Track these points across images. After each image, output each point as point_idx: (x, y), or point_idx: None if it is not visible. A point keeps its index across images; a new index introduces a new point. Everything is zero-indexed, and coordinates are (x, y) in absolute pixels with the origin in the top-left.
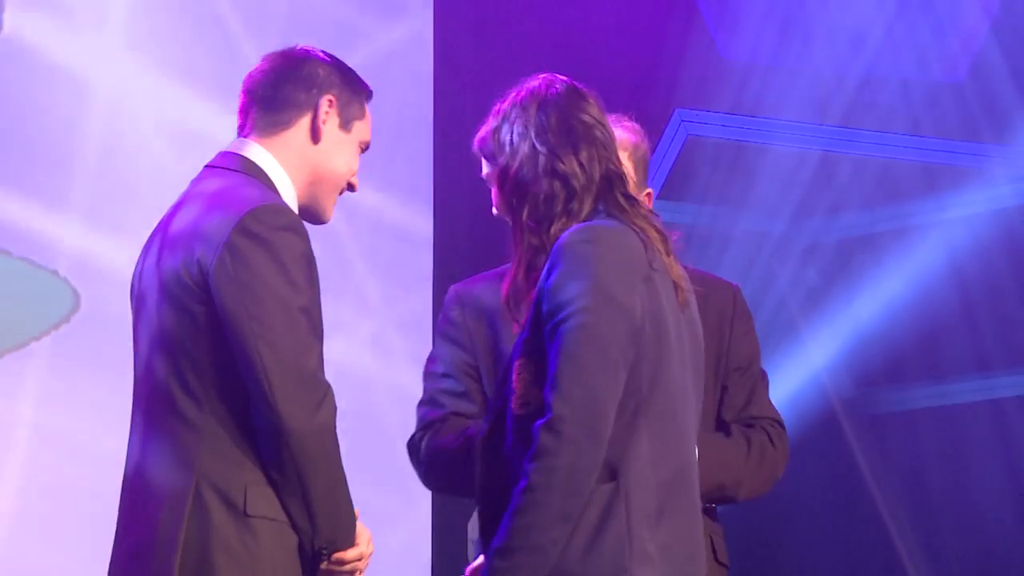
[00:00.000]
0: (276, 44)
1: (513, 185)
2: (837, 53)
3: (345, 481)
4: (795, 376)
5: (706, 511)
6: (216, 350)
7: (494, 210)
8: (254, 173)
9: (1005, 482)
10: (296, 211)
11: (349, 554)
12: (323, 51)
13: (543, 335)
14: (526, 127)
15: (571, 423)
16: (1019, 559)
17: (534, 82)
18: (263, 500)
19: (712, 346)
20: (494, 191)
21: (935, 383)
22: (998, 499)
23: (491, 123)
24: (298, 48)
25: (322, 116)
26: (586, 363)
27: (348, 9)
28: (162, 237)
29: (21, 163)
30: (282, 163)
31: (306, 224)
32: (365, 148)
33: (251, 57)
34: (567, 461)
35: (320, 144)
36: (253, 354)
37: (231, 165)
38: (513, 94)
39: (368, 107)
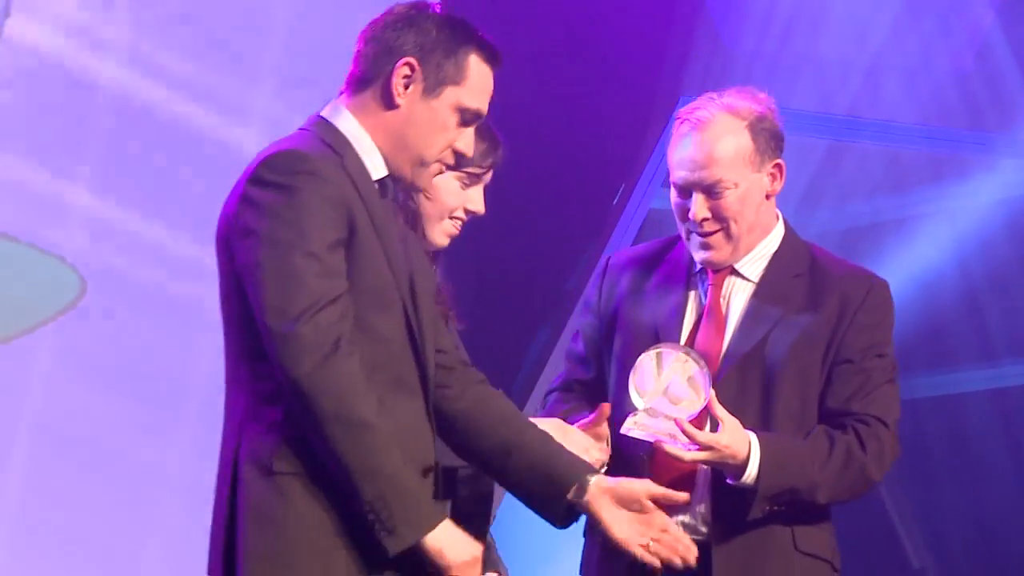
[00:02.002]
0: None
1: None
2: (842, 43)
3: (382, 438)
4: None
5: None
6: (244, 304)
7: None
8: (324, 133)
9: (1009, 470)
10: (380, 169)
11: None
12: (437, 2)
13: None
14: None
15: None
16: (1022, 544)
17: None
18: (291, 456)
19: (824, 333)
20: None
21: (940, 372)
22: (1001, 485)
23: None
24: None
25: (396, 82)
26: None
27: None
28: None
29: (27, 151)
30: (366, 127)
31: None
32: (474, 116)
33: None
34: None
35: (398, 111)
36: (258, 304)
37: (307, 126)
38: None
39: (482, 70)
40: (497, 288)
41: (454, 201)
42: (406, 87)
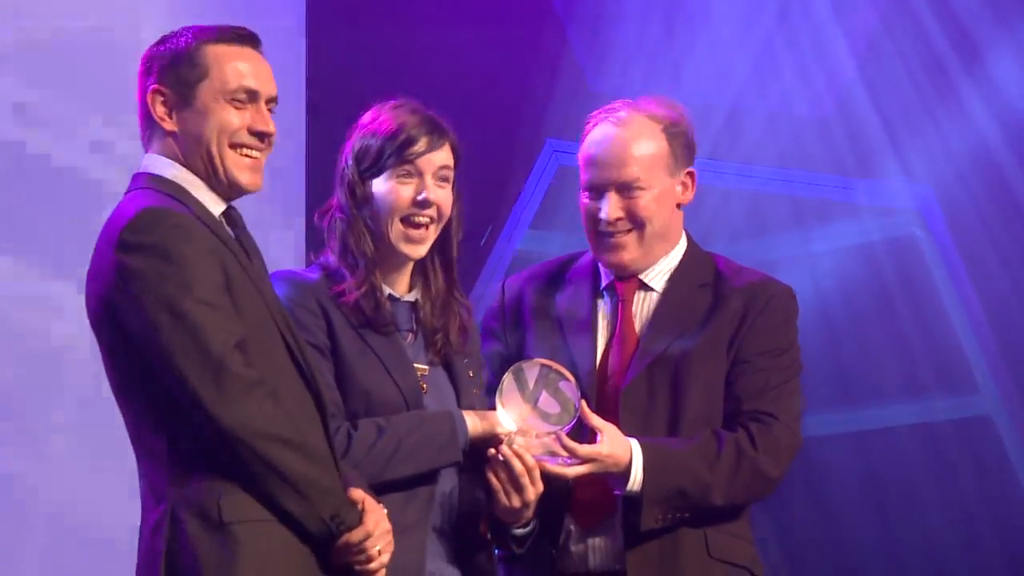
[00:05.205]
0: None
1: None
2: (704, 86)
3: (322, 456)
4: None
5: (682, 516)
6: (148, 373)
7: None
8: (159, 186)
9: (869, 514)
10: (218, 201)
11: (354, 536)
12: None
13: None
14: None
15: None
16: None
17: None
18: (239, 505)
19: (726, 337)
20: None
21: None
22: (863, 532)
23: None
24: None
25: (158, 112)
26: None
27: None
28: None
29: None
30: (179, 161)
31: None
32: (245, 93)
33: None
34: None
35: (179, 134)
36: (169, 365)
37: (139, 185)
38: None
39: (221, 52)
40: None
41: (390, 201)
42: (169, 113)
